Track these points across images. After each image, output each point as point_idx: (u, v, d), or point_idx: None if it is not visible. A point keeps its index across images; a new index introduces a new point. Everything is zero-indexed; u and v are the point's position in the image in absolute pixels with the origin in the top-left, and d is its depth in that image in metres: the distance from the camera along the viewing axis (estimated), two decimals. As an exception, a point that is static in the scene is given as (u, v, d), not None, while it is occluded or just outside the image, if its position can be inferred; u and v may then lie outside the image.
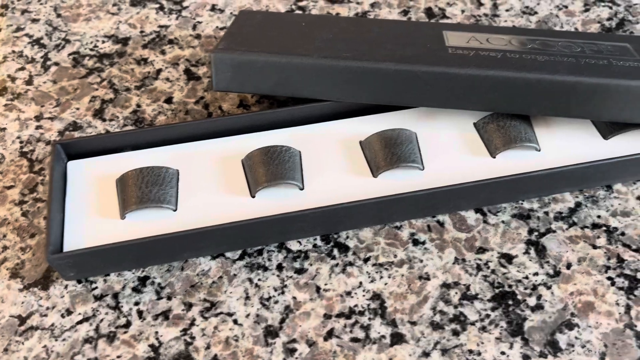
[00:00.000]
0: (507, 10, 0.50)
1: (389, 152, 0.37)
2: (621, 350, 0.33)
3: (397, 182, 0.37)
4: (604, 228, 0.37)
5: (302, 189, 0.36)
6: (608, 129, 0.39)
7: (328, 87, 0.38)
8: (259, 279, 0.35)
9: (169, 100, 0.43)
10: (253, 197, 0.36)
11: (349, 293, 0.35)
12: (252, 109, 0.43)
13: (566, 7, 0.50)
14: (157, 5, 0.50)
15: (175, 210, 0.36)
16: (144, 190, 0.35)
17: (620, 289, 0.35)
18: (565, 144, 0.38)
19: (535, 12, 0.49)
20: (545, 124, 0.39)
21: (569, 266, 0.36)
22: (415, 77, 0.37)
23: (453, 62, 0.37)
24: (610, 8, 0.50)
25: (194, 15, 0.49)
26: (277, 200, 0.36)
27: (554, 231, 0.37)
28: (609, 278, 0.35)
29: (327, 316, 0.34)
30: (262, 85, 0.38)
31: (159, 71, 0.45)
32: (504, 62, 0.37)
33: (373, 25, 0.42)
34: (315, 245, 0.37)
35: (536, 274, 0.36)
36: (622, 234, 0.37)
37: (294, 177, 0.36)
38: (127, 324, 0.34)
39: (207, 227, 0.34)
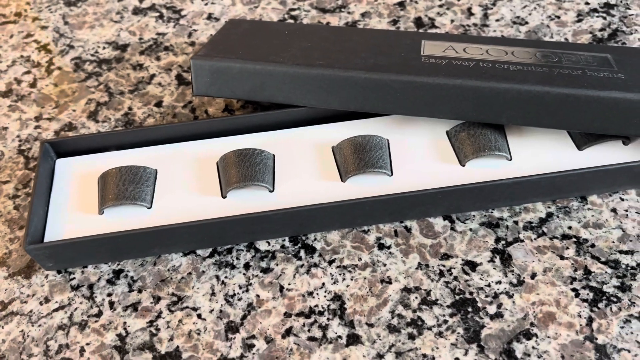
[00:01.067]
0: (497, 20, 0.50)
1: (357, 157, 0.38)
2: (579, 362, 0.32)
3: (365, 187, 0.38)
4: (574, 239, 0.37)
5: (271, 191, 0.38)
6: (583, 139, 0.38)
7: (301, 94, 0.39)
8: (226, 277, 0.37)
9: (158, 104, 0.45)
10: (224, 197, 0.38)
11: (310, 293, 0.36)
12: (236, 114, 0.45)
13: (558, 17, 0.50)
14: (157, 14, 0.52)
15: (149, 208, 0.37)
16: (121, 187, 0.37)
17: (584, 300, 0.35)
18: (537, 154, 0.38)
19: (526, 22, 0.49)
20: (519, 133, 0.39)
21: (533, 276, 0.36)
22: (385, 86, 0.38)
23: (423, 70, 0.38)
24: (604, 19, 0.49)
25: (191, 24, 0.51)
26: (246, 201, 0.37)
27: (522, 240, 0.37)
28: (574, 289, 0.35)
29: (287, 315, 0.35)
30: (239, 91, 0.39)
31: (152, 76, 0.48)
32: (475, 71, 0.38)
33: (353, 35, 0.43)
34: (283, 246, 0.38)
35: (499, 282, 0.36)
36: (592, 245, 0.37)
37: (264, 179, 0.37)
38: (99, 314, 0.36)
39: (175, 225, 0.35)
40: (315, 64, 0.38)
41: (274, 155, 0.39)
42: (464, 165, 0.38)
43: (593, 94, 0.36)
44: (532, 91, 0.36)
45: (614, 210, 0.38)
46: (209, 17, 0.51)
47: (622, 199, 0.39)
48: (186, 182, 0.39)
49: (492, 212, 0.38)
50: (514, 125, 0.39)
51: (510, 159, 0.38)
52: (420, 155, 0.39)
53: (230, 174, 0.38)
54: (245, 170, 0.37)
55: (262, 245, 0.38)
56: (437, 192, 0.36)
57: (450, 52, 0.40)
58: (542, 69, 0.38)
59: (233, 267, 0.37)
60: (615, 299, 0.35)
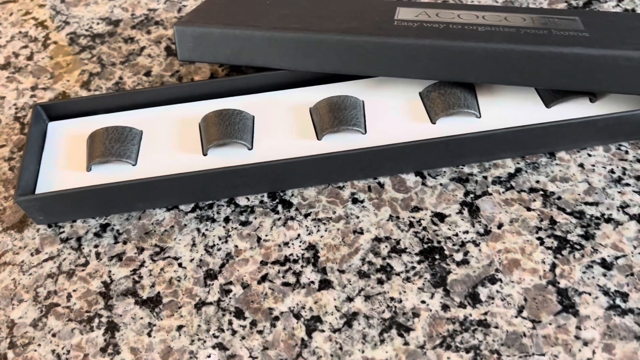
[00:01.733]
0: (475, -8, 0.51)
1: (333, 116, 0.39)
2: (540, 304, 0.34)
3: (340, 144, 0.39)
4: (541, 192, 0.38)
5: (250, 149, 0.39)
6: (550, 97, 0.40)
7: (279, 57, 0.41)
8: (206, 229, 0.38)
9: (147, 74, 0.48)
10: (205, 155, 0.39)
11: (286, 243, 0.37)
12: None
13: (535, -12, 0.51)
14: (149, -9, 0.54)
15: (134, 165, 0.39)
16: (107, 146, 0.39)
17: (549, 248, 0.36)
18: (506, 111, 0.40)
19: (504, -7, 0.51)
20: (490, 92, 0.41)
21: (500, 226, 0.37)
22: (358, 47, 0.39)
23: (395, 32, 0.39)
24: (581, -12, 0.50)
25: (181, 0, 0.53)
26: (226, 159, 0.39)
27: (490, 194, 0.39)
28: (539, 238, 0.36)
29: (263, 263, 0.37)
30: (220, 55, 0.41)
31: (142, 48, 0.50)
32: (444, 33, 0.39)
33: (330, 3, 0.45)
34: (261, 202, 0.40)
35: (466, 232, 0.37)
36: (559, 198, 0.38)
37: (242, 137, 0.39)
38: (86, 263, 0.38)
39: (157, 177, 0.37)
40: (291, 27, 0.40)
41: (253, 117, 0.41)
42: (434, 123, 0.39)
43: (556, 50, 0.37)
44: (498, 49, 0.37)
45: (581, 165, 0.39)
46: (198, -7, 0.54)
47: (590, 155, 0.40)
48: (169, 142, 0.40)
49: (462, 169, 0.40)
50: (483, 83, 0.40)
51: (480, 117, 0.39)
52: (393, 115, 0.40)
53: (211, 133, 0.39)
54: (224, 128, 0.39)
55: (242, 201, 0.40)
56: (405, 146, 0.37)
57: (423, 17, 0.42)
58: (509, 30, 0.39)
59: (213, 220, 0.39)
60: (578, 247, 0.36)
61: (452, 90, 0.40)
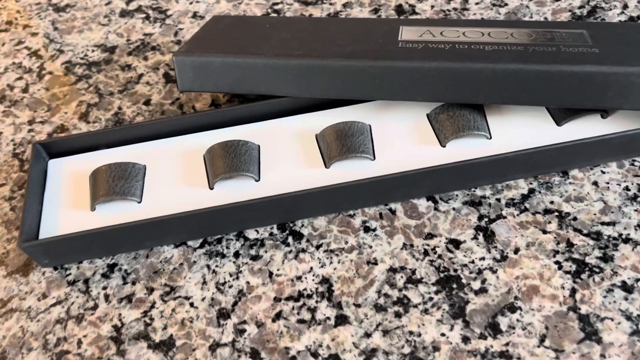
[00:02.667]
0: (476, 4, 0.50)
1: (340, 143, 0.38)
2: (562, 332, 0.33)
3: (349, 172, 0.38)
4: (556, 213, 0.38)
5: (257, 180, 0.39)
6: (561, 115, 0.39)
7: (282, 84, 0.40)
8: (217, 266, 0.38)
9: (147, 103, 0.47)
10: (211, 188, 0.38)
11: (299, 278, 0.37)
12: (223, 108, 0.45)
13: (538, -3, 0.50)
14: (144, 15, 0.53)
15: (140, 202, 0.38)
16: (111, 184, 0.38)
17: (567, 272, 0.35)
18: (517, 131, 0.39)
19: (506, 4, 0.50)
20: (499, 112, 0.40)
21: (516, 251, 0.36)
22: (362, 72, 0.38)
23: (400, 55, 0.38)
24: (584, -4, 0.50)
25: (177, 23, 0.52)
26: (233, 192, 0.38)
27: (505, 217, 0.38)
28: (557, 262, 0.36)
29: (276, 299, 0.36)
30: (221, 84, 0.40)
31: (140, 76, 0.49)
32: (450, 53, 0.38)
33: (332, 24, 0.44)
34: (271, 234, 0.39)
35: (482, 258, 0.36)
36: (574, 219, 0.37)
37: (249, 169, 0.38)
38: (95, 307, 0.37)
39: (164, 217, 0.36)
40: (294, 54, 0.39)
41: (259, 146, 0.40)
42: (444, 146, 0.39)
43: (567, 69, 0.36)
44: (507, 69, 0.37)
45: (595, 183, 0.39)
46: (194, 15, 0.52)
47: (603, 172, 0.39)
48: (174, 176, 0.40)
49: (474, 191, 0.39)
50: (492, 104, 0.39)
51: (490, 138, 0.39)
52: (402, 138, 0.40)
53: (217, 166, 0.38)
54: (230, 161, 0.38)
55: (251, 234, 0.39)
56: (417, 173, 0.36)
57: (428, 36, 0.41)
58: (516, 48, 0.39)
59: (223, 256, 0.38)
60: (597, 270, 0.35)
61: (460, 112, 0.39)
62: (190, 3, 0.53)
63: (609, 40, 0.39)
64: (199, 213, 0.36)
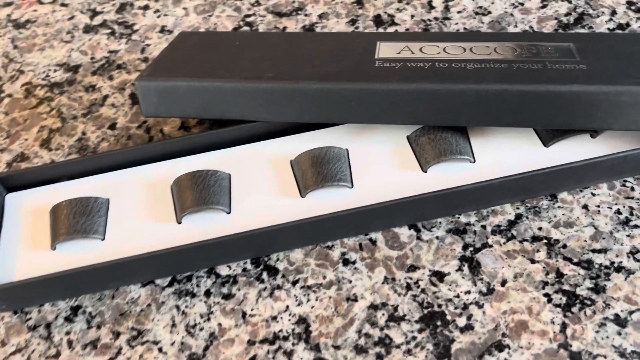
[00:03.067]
0: (459, 12, 0.48)
1: (316, 171, 0.36)
2: (553, 371, 0.31)
3: (326, 201, 0.36)
4: (545, 241, 0.36)
5: (228, 212, 0.36)
6: (549, 135, 0.37)
7: (253, 108, 0.37)
8: (186, 306, 0.35)
9: (112, 127, 0.44)
10: (179, 223, 0.36)
11: (274, 318, 0.34)
12: (193, 131, 0.43)
13: (522, 4, 0.48)
14: (109, 31, 0.50)
15: (103, 240, 0.36)
16: (72, 221, 0.36)
17: (557, 306, 0.33)
18: (502, 153, 0.37)
19: (489, 12, 0.48)
20: (483, 133, 0.38)
21: (503, 283, 0.34)
22: (338, 95, 0.36)
23: (376, 76, 0.36)
24: (570, 2, 0.47)
25: (144, 39, 0.49)
26: (203, 225, 0.36)
27: (490, 246, 0.36)
28: (546, 295, 0.34)
29: (250, 342, 0.34)
30: (188, 109, 0.38)
31: (105, 97, 0.46)
32: (429, 74, 0.36)
33: (306, 40, 0.41)
34: (244, 270, 0.36)
35: (468, 292, 0.34)
36: (564, 246, 0.35)
37: (219, 201, 0.36)
38: (57, 354, 0.34)
39: (128, 258, 0.34)
40: (265, 76, 0.37)
41: (229, 175, 0.38)
42: (425, 171, 0.37)
43: (553, 89, 0.34)
44: (490, 90, 0.34)
45: (585, 207, 0.37)
46: (162, 30, 0.50)
47: (594, 194, 0.37)
48: (140, 209, 0.37)
49: (458, 218, 0.37)
50: (474, 125, 0.37)
51: (474, 161, 0.37)
52: (381, 163, 0.37)
53: (184, 199, 0.36)
54: (199, 193, 0.36)
55: (223, 270, 0.36)
56: (398, 203, 0.34)
57: (406, 53, 0.38)
58: (500, 65, 0.36)
59: (193, 295, 0.36)
60: (589, 302, 0.33)
61: (442, 135, 0.37)
62: (158, 17, 0.51)
63: (597, 55, 0.37)
64: (165, 253, 0.34)
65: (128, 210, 0.37)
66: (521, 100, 0.34)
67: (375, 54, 0.39)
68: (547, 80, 0.34)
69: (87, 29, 0.51)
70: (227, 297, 0.35)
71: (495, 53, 0.38)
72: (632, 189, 0.37)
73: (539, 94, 0.34)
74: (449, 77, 0.35)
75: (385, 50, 0.39)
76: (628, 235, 0.35)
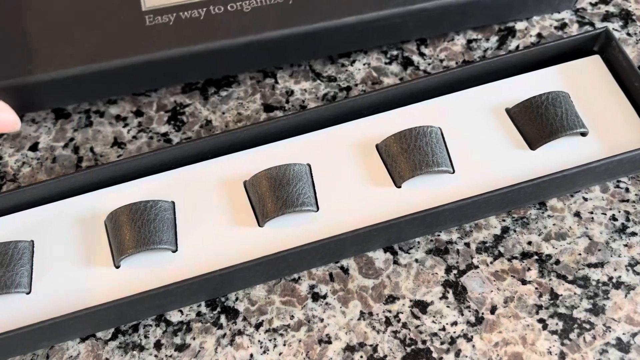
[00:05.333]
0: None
1: (274, 195, 0.31)
2: (554, 411, 0.28)
3: (288, 229, 0.31)
4: (536, 257, 0.32)
5: (175, 251, 0.31)
6: (536, 137, 0.32)
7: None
8: (135, 362, 0.31)
9: (34, 147, 0.37)
10: (117, 267, 0.31)
11: (237, 369, 0.30)
12: (128, 147, 0.37)
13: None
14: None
15: (28, 293, 0.31)
16: (-13, 275, 0.30)
17: (554, 332, 0.30)
18: (484, 159, 0.32)
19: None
20: (462, 136, 0.33)
21: (493, 310, 0.31)
22: (111, 75, 0.34)
23: (151, 42, 0.34)
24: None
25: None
26: (145, 268, 0.31)
27: (477, 267, 0.32)
28: (541, 320, 0.30)
29: (212, 401, 0.29)
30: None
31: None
32: (207, 27, 0.34)
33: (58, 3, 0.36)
34: (199, 314, 0.32)
35: (455, 323, 0.30)
36: (557, 262, 0.32)
37: (161, 239, 0.30)
38: None
39: (59, 318, 0.28)
40: (25, 69, 0.34)
41: (173, 203, 0.32)
42: (399, 187, 0.32)
43: (327, 24, 0.35)
44: (271, 38, 0.35)
45: (577, 214, 0.33)
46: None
47: (586, 199, 0.33)
48: (70, 252, 0.31)
49: (439, 236, 0.33)
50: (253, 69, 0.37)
51: (453, 172, 0.32)
52: (350, 179, 0.32)
53: (121, 238, 0.31)
54: (137, 231, 0.30)
55: (174, 316, 0.32)
56: (371, 230, 0.30)
57: None
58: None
59: (142, 348, 0.31)
60: (588, 326, 0.30)
61: (416, 144, 0.32)
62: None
63: None
64: (103, 308, 0.29)
65: (57, 253, 0.31)
66: (304, 39, 0.35)
67: (142, 3, 0.35)
68: (322, 15, 0.35)
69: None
70: (181, 348, 0.31)
71: None
72: (627, 190, 0.33)
73: (316, 32, 0.35)
74: (228, 30, 0.34)
75: None
76: (625, 245, 0.32)
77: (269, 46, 0.35)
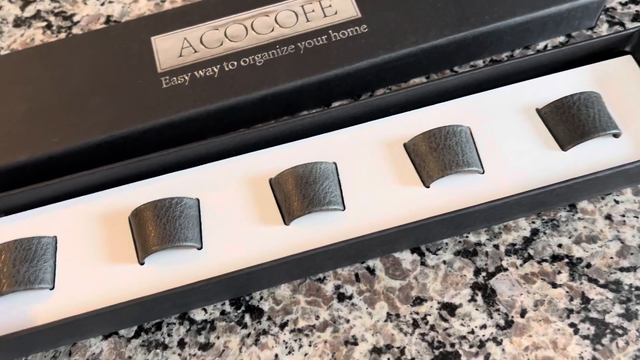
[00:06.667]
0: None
1: (301, 194, 0.31)
2: (586, 417, 0.27)
3: (314, 228, 0.31)
4: (566, 260, 0.31)
5: (200, 248, 0.31)
6: (567, 138, 0.32)
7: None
8: (158, 361, 0.30)
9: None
10: (142, 264, 0.30)
11: (262, 370, 0.30)
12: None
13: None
14: (44, 24, 0.43)
15: (52, 289, 0.30)
16: (12, 270, 0.30)
17: (585, 337, 0.29)
18: (515, 160, 0.32)
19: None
20: (492, 134, 0.33)
21: (523, 313, 0.30)
22: (132, 140, 0.34)
23: (168, 105, 0.34)
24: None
25: (86, 32, 0.42)
26: (170, 266, 0.30)
27: (506, 269, 0.31)
28: (572, 325, 0.30)
29: (236, 402, 0.29)
30: None
31: (45, 106, 0.39)
32: (222, 85, 0.35)
33: (68, 56, 0.36)
34: (223, 312, 0.31)
35: (484, 326, 0.30)
36: (588, 265, 0.31)
37: (187, 236, 0.30)
38: None
39: (82, 315, 0.28)
40: (53, 143, 0.33)
41: (197, 201, 0.32)
42: (428, 187, 0.31)
43: (341, 71, 0.35)
44: (286, 90, 0.35)
45: (608, 217, 0.32)
46: (108, 21, 0.42)
47: (617, 202, 0.33)
48: (93, 248, 0.31)
49: (467, 237, 0.32)
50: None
51: (483, 172, 0.32)
52: (376, 178, 0.32)
53: (146, 235, 0.30)
54: (162, 229, 0.30)
55: (198, 314, 0.31)
56: (399, 230, 0.29)
57: (189, 55, 0.36)
58: (287, 49, 0.36)
59: (165, 346, 0.30)
60: (620, 331, 0.29)
61: (445, 143, 0.31)
62: (102, 4, 0.43)
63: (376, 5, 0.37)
64: (127, 306, 0.28)
65: (80, 249, 0.31)
66: (315, 90, 0.35)
67: (157, 65, 0.35)
68: (334, 63, 0.35)
69: (18, 22, 0.43)
70: (205, 347, 0.30)
71: (278, 27, 0.36)
72: (659, 193, 0.33)
73: (330, 80, 0.35)
74: (242, 85, 0.34)
75: (166, 55, 0.36)
76: (658, 249, 0.31)
77: (284, 97, 0.35)
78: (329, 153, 0.33)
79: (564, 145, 0.32)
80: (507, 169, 0.32)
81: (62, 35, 0.42)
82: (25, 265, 0.30)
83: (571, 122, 0.32)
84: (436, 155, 0.31)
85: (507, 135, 0.33)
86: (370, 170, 0.32)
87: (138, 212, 0.31)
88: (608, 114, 0.32)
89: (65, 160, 0.34)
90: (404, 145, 0.33)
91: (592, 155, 0.32)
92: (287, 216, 0.31)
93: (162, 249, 0.30)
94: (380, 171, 0.32)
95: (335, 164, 0.33)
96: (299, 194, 0.31)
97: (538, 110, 0.33)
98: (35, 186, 0.32)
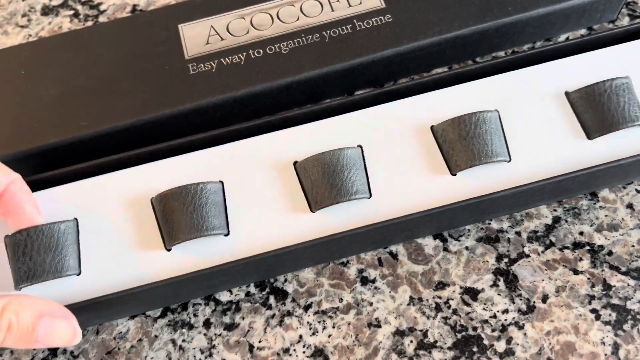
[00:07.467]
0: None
1: (328, 183, 0.31)
2: (608, 401, 0.28)
3: (340, 215, 0.31)
4: (588, 247, 0.32)
5: (227, 234, 0.31)
6: (594, 127, 0.32)
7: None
8: (184, 340, 0.31)
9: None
10: (168, 250, 0.31)
11: (286, 350, 0.30)
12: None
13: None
14: (71, 12, 0.43)
15: (79, 275, 0.31)
16: (37, 259, 0.30)
17: (607, 323, 0.29)
18: (540, 148, 0.32)
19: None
20: (518, 122, 0.33)
21: (545, 299, 0.30)
22: (160, 125, 0.35)
23: (195, 91, 0.35)
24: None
25: (114, 19, 0.43)
26: (197, 252, 0.31)
27: (528, 255, 0.32)
28: (593, 310, 0.30)
29: (261, 381, 0.29)
30: None
31: (72, 92, 0.40)
32: (248, 72, 0.35)
33: (97, 42, 0.37)
34: (248, 294, 0.32)
35: (506, 311, 0.30)
36: (609, 253, 0.31)
37: (214, 225, 0.30)
38: (36, 405, 0.30)
39: (105, 296, 0.28)
40: (81, 126, 0.34)
41: (222, 184, 0.32)
42: (454, 175, 0.32)
43: (365, 60, 0.35)
44: (311, 77, 0.35)
45: (630, 206, 0.33)
46: (134, 9, 0.43)
47: (638, 191, 0.33)
48: (117, 230, 0.31)
49: (489, 224, 0.33)
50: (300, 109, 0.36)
51: (509, 160, 0.32)
52: (403, 165, 0.32)
53: (173, 224, 0.30)
54: (189, 217, 0.30)
55: (224, 296, 0.32)
56: (424, 215, 0.30)
57: (216, 42, 0.37)
58: (313, 38, 0.36)
59: (191, 326, 0.31)
60: (642, 318, 0.30)
61: (475, 131, 0.31)
62: (128, -7, 0.44)
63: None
64: (155, 287, 0.29)
65: (103, 231, 0.31)
66: (340, 78, 0.36)
67: (185, 52, 0.36)
68: (360, 50, 0.35)
69: (46, 11, 0.44)
70: (230, 327, 0.31)
71: (303, 17, 0.37)
72: (681, 183, 0.33)
73: (354, 68, 0.36)
74: (268, 72, 0.35)
75: (193, 42, 0.37)
76: (680, 238, 0.31)
77: (308, 85, 0.36)
78: (354, 134, 0.33)
79: (590, 134, 0.32)
80: (532, 155, 0.32)
81: (89, 23, 0.43)
82: (50, 254, 0.30)
83: (600, 110, 0.32)
84: (465, 145, 0.31)
85: (534, 120, 0.32)
86: (396, 155, 0.32)
87: (162, 199, 0.31)
88: (638, 103, 0.32)
89: (94, 143, 0.34)
90: (431, 128, 0.33)
91: (617, 145, 0.32)
92: (314, 204, 0.31)
93: (190, 238, 0.30)
94: (407, 155, 0.32)
95: (361, 147, 0.33)
96: (326, 183, 0.31)
97: (567, 94, 0.33)
98: (64, 170, 0.33)
